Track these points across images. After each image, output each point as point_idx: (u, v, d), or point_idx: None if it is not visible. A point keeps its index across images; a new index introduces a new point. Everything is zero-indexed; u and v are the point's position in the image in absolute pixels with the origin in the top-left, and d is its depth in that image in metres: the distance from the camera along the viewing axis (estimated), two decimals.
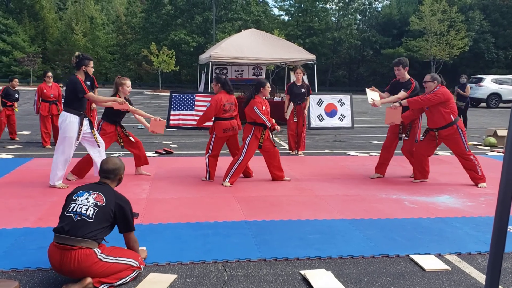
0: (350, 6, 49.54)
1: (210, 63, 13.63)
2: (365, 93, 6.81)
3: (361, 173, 6.97)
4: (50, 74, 9.37)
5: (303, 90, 8.70)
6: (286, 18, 51.05)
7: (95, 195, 3.18)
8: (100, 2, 54.60)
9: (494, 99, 24.35)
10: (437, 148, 9.71)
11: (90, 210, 3.08)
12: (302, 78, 8.79)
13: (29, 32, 44.92)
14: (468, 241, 4.09)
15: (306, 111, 8.76)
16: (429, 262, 3.60)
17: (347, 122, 13.01)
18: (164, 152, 8.51)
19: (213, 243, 3.90)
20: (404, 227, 4.44)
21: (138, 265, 3.24)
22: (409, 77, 6.50)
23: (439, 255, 3.76)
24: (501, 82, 24.55)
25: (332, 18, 49.82)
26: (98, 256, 3.01)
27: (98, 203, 3.13)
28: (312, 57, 14.48)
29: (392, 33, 45.23)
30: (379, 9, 51.72)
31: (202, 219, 4.52)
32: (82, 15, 46.83)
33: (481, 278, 3.37)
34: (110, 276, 3.07)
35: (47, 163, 7.18)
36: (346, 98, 13.31)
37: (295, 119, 8.64)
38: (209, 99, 12.49)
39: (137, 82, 45.93)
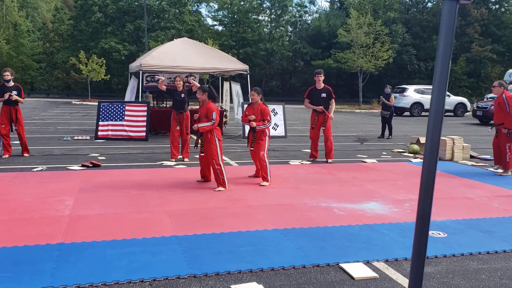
0: (282, 18, 50.53)
1: (141, 71, 13.29)
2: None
3: (294, 182, 7.03)
4: None
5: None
6: (220, 28, 51.15)
7: None
8: (25, 8, 51.67)
9: (417, 108, 25.73)
10: (364, 156, 10.05)
11: None
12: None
13: None
14: (395, 247, 4.22)
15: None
16: (358, 270, 3.65)
17: (280, 131, 13.18)
18: (91, 165, 8.10)
19: (140, 261, 3.73)
20: (333, 235, 4.50)
21: None
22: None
23: (367, 263, 3.84)
24: (422, 92, 26.00)
25: (265, 29, 50.55)
26: None
27: None
28: (245, 67, 14.53)
29: (321, 45, 46.59)
30: (309, 21, 53.21)
31: (130, 236, 4.32)
32: (5, 22, 44.07)
33: (407, 284, 3.46)
34: None
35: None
36: (279, 108, 13.48)
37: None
38: (140, 108, 12.18)
39: (65, 92, 43.85)
